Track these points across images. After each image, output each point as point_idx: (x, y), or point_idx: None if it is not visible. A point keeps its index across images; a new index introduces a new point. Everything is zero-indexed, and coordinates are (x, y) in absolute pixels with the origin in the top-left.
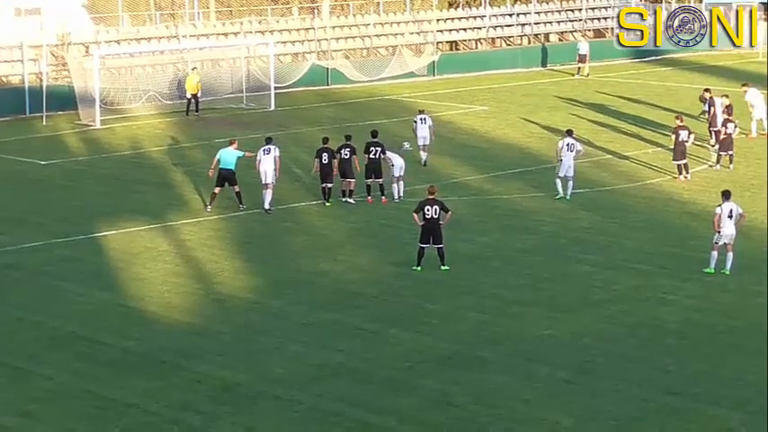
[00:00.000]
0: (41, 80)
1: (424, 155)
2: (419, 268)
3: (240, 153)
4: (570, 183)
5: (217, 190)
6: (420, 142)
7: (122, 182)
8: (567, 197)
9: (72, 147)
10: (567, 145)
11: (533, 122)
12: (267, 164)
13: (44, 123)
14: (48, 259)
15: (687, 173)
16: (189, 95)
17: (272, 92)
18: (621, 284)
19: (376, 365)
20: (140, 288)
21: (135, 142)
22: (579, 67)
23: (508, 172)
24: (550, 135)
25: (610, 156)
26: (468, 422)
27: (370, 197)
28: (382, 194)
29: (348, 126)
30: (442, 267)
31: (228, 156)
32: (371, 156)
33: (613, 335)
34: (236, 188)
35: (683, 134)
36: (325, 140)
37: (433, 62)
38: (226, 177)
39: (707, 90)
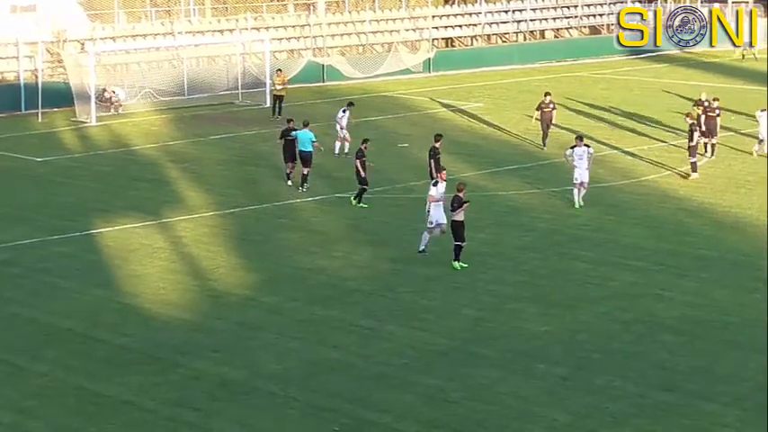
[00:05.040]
0: (37, 77)
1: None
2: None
3: (312, 136)
4: (584, 191)
5: (305, 171)
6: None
7: (118, 179)
8: (582, 203)
9: (67, 143)
10: (586, 151)
11: (529, 119)
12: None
13: (39, 120)
14: (43, 256)
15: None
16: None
17: (268, 88)
18: (617, 281)
19: (372, 362)
20: (136, 285)
21: (130, 139)
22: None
23: (504, 168)
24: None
25: (605, 152)
26: (464, 418)
27: None
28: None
29: None
30: (454, 263)
31: (304, 137)
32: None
33: (609, 331)
34: (306, 170)
35: (696, 133)
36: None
37: (429, 59)
38: (302, 158)
39: (716, 99)
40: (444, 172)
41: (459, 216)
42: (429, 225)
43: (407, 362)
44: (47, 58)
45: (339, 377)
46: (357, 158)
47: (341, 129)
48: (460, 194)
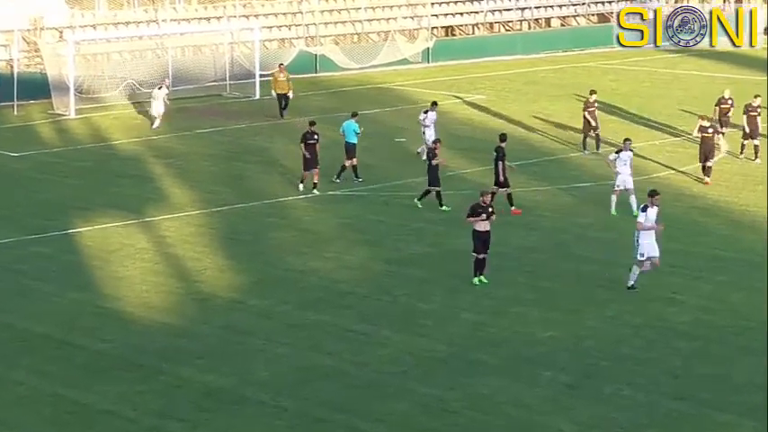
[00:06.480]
0: (12, 67)
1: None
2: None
3: (356, 127)
4: (633, 196)
5: (355, 161)
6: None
7: (98, 175)
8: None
9: (45, 138)
10: (630, 156)
11: (534, 112)
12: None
13: (15, 113)
14: (19, 257)
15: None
16: (275, 94)
17: (258, 80)
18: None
19: (366, 369)
20: (117, 287)
21: (111, 133)
22: None
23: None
24: (552, 125)
25: (614, 147)
26: (464, 429)
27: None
28: (511, 204)
29: (337, 116)
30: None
31: (348, 128)
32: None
33: (618, 336)
34: (353, 162)
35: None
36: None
37: (428, 48)
38: (347, 149)
39: (757, 96)
40: (658, 197)
41: (479, 225)
42: (639, 257)
43: (404, 369)
44: (23, 47)
45: (332, 385)
46: (429, 159)
47: (424, 130)
48: (480, 201)
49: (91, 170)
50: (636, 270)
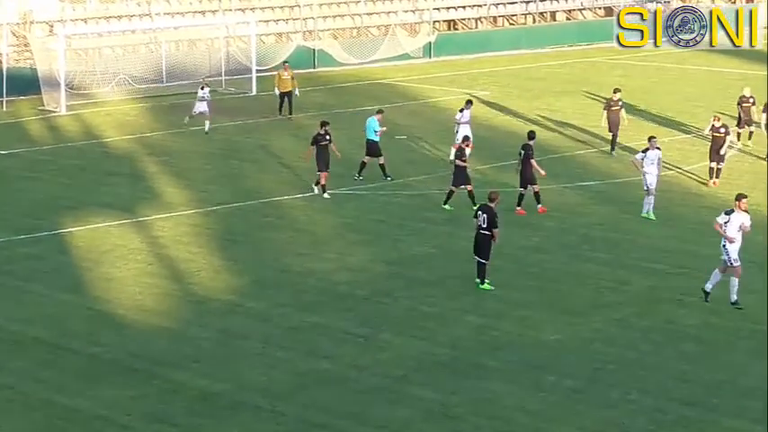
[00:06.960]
0: (1, 62)
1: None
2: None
3: (376, 125)
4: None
5: (366, 159)
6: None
7: (90, 173)
8: (647, 213)
9: (35, 135)
10: (658, 155)
11: (539, 108)
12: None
13: (4, 109)
14: (8, 258)
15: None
16: (278, 92)
17: (254, 75)
18: (634, 285)
19: (366, 373)
20: (109, 289)
21: (103, 130)
22: None
23: (511, 162)
24: (557, 122)
25: (622, 145)
26: None
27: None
28: (519, 204)
29: (336, 113)
30: (480, 285)
31: (368, 125)
32: None
33: (626, 340)
34: (370, 159)
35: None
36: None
37: (430, 43)
38: (367, 147)
39: None
40: (746, 200)
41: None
42: (734, 263)
43: (405, 374)
44: (12, 41)
45: (331, 390)
46: (458, 158)
47: (458, 129)
48: (492, 204)
49: (82, 168)
50: (735, 282)
